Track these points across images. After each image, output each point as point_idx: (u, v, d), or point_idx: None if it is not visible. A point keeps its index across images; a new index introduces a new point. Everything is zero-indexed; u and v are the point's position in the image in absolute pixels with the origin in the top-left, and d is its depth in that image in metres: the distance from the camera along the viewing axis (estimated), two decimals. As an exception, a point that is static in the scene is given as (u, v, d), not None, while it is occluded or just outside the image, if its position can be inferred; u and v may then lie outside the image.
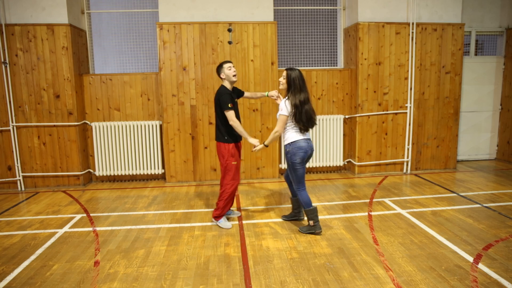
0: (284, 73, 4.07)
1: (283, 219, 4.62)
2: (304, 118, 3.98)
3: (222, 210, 4.44)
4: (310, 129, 4.13)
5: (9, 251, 3.89)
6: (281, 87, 4.13)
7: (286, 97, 4.05)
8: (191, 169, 6.50)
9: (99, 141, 6.42)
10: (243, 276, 3.31)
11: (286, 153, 4.08)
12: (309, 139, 4.11)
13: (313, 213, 4.09)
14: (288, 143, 4.04)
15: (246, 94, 4.73)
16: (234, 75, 4.30)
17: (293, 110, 3.97)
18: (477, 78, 7.43)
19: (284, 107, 3.99)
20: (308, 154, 4.05)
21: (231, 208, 4.94)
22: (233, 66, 4.34)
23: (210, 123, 6.38)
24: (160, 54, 6.19)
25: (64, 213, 5.04)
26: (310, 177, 6.74)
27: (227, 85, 4.34)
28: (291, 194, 4.51)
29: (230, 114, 4.20)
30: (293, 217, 4.59)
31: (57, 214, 5.01)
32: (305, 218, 4.53)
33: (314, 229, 4.14)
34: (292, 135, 4.04)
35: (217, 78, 6.27)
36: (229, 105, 4.19)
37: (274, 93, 4.56)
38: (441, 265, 3.41)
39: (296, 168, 4.04)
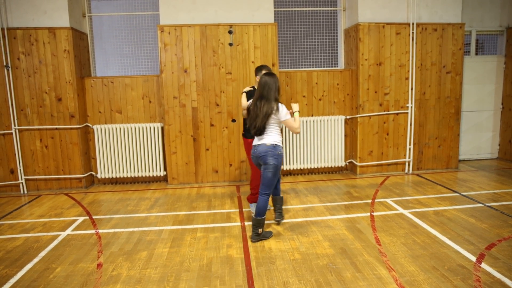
0: None
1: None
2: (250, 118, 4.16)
3: (252, 196, 4.92)
4: (259, 135, 4.09)
5: (12, 254, 3.91)
6: None
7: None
8: (193, 171, 6.50)
9: (101, 143, 6.44)
10: (246, 278, 3.31)
11: (278, 155, 4.04)
12: (255, 144, 4.14)
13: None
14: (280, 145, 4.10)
15: None
16: None
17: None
18: (478, 78, 7.43)
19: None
20: (253, 159, 4.20)
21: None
22: None
23: (212, 125, 6.39)
24: (161, 57, 6.21)
25: (67, 216, 5.06)
26: (312, 178, 6.75)
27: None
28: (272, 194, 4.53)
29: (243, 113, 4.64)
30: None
31: (59, 217, 5.02)
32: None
33: (266, 235, 4.15)
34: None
35: (218, 80, 6.29)
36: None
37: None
38: (444, 265, 3.41)
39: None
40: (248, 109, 4.22)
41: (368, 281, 3.18)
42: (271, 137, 4.04)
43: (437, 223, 4.40)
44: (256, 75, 4.69)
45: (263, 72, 4.57)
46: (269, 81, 3.99)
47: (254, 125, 4.03)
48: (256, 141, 4.14)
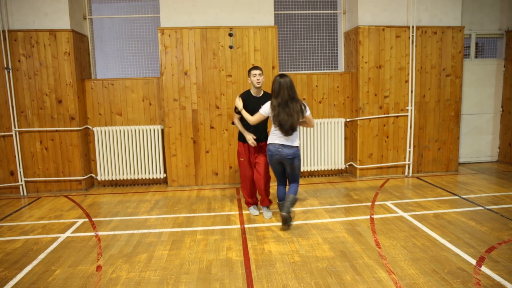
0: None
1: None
2: (279, 119, 4.27)
3: (245, 200, 5.08)
4: (290, 135, 4.31)
5: (12, 256, 3.90)
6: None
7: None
8: (193, 173, 6.50)
9: (101, 145, 6.44)
10: (245, 280, 3.31)
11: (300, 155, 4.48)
12: (280, 144, 4.34)
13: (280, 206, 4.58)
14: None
15: None
16: (257, 82, 4.61)
17: (272, 111, 4.32)
18: (477, 81, 7.44)
19: (264, 106, 4.43)
20: (273, 157, 4.41)
21: (264, 206, 5.04)
22: (259, 74, 4.61)
23: (212, 127, 6.40)
24: (161, 59, 6.22)
25: (67, 218, 5.05)
26: (311, 180, 6.74)
27: (252, 90, 4.72)
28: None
29: (235, 116, 4.80)
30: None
31: (59, 219, 5.02)
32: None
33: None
34: (270, 135, 4.47)
35: (218, 82, 6.30)
36: (236, 110, 4.71)
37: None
38: (444, 268, 3.41)
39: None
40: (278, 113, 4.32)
41: (368, 284, 3.18)
42: (296, 138, 4.38)
43: (437, 226, 4.40)
44: (249, 76, 4.68)
45: (254, 72, 4.61)
46: (291, 82, 4.28)
47: (289, 126, 4.23)
48: (281, 140, 4.31)
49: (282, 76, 4.29)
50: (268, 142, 4.47)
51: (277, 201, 4.69)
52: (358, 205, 5.24)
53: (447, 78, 6.76)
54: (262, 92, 4.74)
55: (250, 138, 4.63)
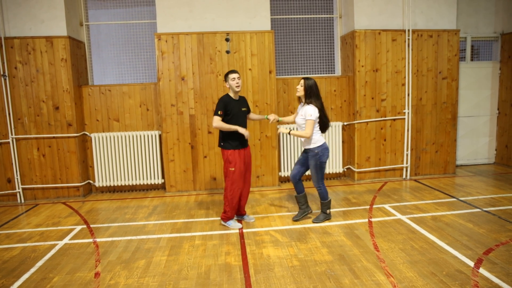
0: (302, 81, 4.49)
1: (295, 220, 4.83)
2: (325, 121, 4.53)
3: (228, 213, 4.67)
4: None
5: (9, 264, 3.88)
6: (297, 94, 4.58)
7: (308, 103, 4.47)
8: (191, 178, 6.50)
9: (98, 152, 6.43)
10: (244, 285, 3.30)
11: (314, 155, 4.50)
12: None
13: (329, 204, 4.78)
14: (317, 146, 4.51)
15: (251, 115, 4.90)
16: (236, 86, 4.52)
17: (319, 114, 4.45)
18: (473, 83, 7.48)
19: (313, 112, 4.39)
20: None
21: (247, 215, 5.04)
22: (238, 78, 4.53)
23: (209, 132, 6.40)
24: (158, 65, 6.23)
25: (64, 225, 5.03)
26: (309, 184, 6.72)
27: (231, 93, 4.60)
28: (296, 192, 4.81)
29: (215, 119, 4.45)
30: (303, 214, 4.87)
31: (57, 226, 5.00)
32: (310, 211, 4.97)
33: (329, 217, 4.80)
34: (319, 137, 4.54)
35: (215, 87, 6.31)
36: (219, 112, 4.44)
37: (272, 116, 4.71)
38: (442, 271, 3.41)
39: (323, 167, 4.58)
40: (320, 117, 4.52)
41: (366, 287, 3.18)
42: None
43: (435, 228, 4.40)
44: (225, 80, 4.57)
45: (232, 75, 4.49)
46: None
47: (329, 124, 4.65)
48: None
49: (310, 78, 4.48)
50: (323, 142, 4.55)
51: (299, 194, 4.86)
52: (356, 209, 5.25)
53: (443, 81, 6.80)
54: (238, 96, 4.66)
55: (246, 132, 4.48)
